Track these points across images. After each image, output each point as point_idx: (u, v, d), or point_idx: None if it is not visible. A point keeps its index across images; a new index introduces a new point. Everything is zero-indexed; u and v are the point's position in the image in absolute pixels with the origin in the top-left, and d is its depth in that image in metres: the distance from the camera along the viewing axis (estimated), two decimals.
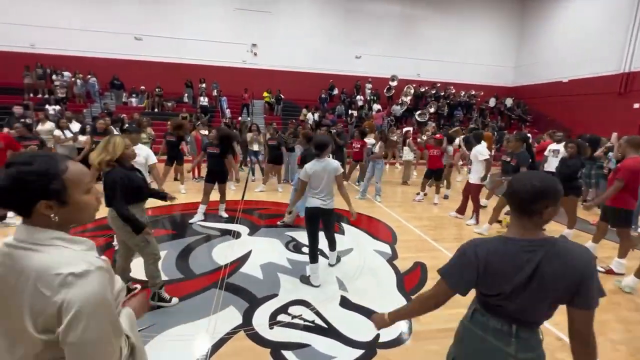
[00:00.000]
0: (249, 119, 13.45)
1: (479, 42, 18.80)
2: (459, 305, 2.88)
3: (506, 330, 1.16)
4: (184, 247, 3.98)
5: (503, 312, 1.16)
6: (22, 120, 6.67)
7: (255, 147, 7.90)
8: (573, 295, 1.08)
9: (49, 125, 7.30)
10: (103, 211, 3.29)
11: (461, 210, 5.80)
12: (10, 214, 4.64)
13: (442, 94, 16.92)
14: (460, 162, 8.83)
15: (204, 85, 14.84)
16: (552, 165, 6.14)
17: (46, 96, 13.20)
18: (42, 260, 0.74)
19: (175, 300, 2.82)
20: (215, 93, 15.14)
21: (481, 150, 5.29)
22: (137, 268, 2.92)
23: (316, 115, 14.34)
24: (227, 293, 3.02)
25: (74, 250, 0.80)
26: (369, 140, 7.75)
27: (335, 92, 16.86)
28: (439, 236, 4.86)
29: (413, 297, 3.12)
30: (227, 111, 14.45)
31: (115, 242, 3.59)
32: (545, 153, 6.70)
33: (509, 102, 17.53)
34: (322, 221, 3.25)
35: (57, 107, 11.61)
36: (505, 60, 19.41)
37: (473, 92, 17.11)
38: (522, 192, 1.11)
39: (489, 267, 1.13)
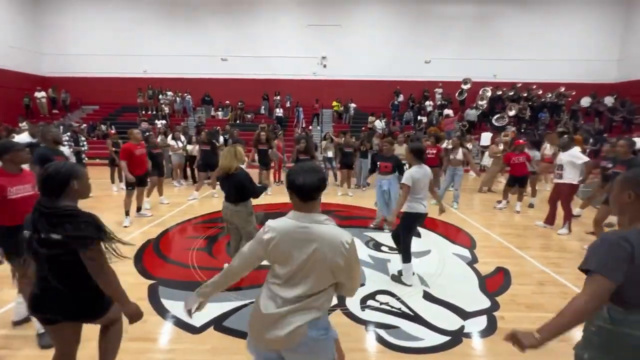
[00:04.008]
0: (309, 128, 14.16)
1: (569, 35, 16.80)
2: (544, 310, 2.87)
3: None
4: None
5: None
6: (147, 134, 8.32)
7: (330, 154, 8.45)
8: None
9: (161, 137, 8.94)
10: (218, 206, 4.08)
11: (550, 220, 5.41)
12: (147, 205, 5.86)
13: (525, 94, 15.52)
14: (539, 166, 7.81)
15: (278, 97, 16.18)
16: None
17: (154, 112, 15.91)
18: (328, 231, 1.32)
19: None
20: (288, 104, 16.37)
21: (577, 154, 4.93)
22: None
23: (384, 122, 14.49)
24: None
25: (334, 225, 1.37)
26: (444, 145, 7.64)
27: (401, 98, 16.74)
28: (522, 244, 4.69)
29: (497, 298, 3.19)
30: (302, 121, 15.49)
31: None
32: None
33: (608, 100, 15.24)
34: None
35: (164, 122, 13.92)
36: (604, 53, 16.97)
37: (562, 90, 15.32)
38: None
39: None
